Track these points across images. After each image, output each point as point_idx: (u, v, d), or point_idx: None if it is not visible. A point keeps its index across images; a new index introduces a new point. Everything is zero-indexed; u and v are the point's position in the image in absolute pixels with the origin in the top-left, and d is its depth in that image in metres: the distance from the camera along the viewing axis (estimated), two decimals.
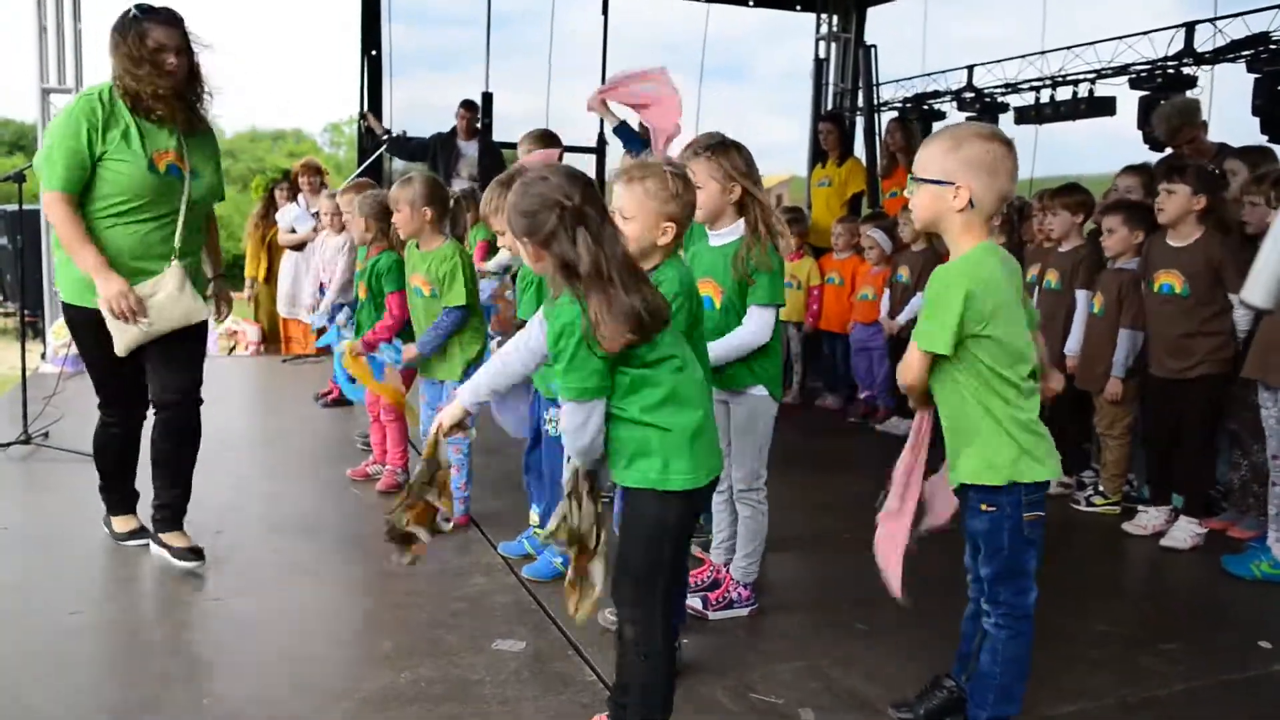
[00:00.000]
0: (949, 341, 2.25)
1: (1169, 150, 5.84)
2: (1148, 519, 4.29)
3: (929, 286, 2.33)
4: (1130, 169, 5.13)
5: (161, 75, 3.31)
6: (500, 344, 4.31)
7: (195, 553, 3.60)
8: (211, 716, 2.62)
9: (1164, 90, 7.51)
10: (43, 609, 3.22)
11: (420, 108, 9.87)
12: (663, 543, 2.27)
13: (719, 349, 3.01)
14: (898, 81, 10.38)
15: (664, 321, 2.18)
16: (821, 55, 10.62)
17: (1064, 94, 8.68)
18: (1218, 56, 7.50)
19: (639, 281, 2.15)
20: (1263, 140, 6.59)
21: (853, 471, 5.38)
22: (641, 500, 2.26)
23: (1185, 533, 4.08)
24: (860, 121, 9.72)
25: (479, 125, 8.78)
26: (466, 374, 4.05)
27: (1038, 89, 8.94)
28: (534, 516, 3.79)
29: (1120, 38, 8.19)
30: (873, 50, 9.58)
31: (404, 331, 4.32)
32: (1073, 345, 4.67)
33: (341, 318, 5.49)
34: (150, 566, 3.61)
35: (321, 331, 5.22)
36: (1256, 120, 6.94)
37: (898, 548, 2.51)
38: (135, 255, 3.43)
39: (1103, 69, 8.35)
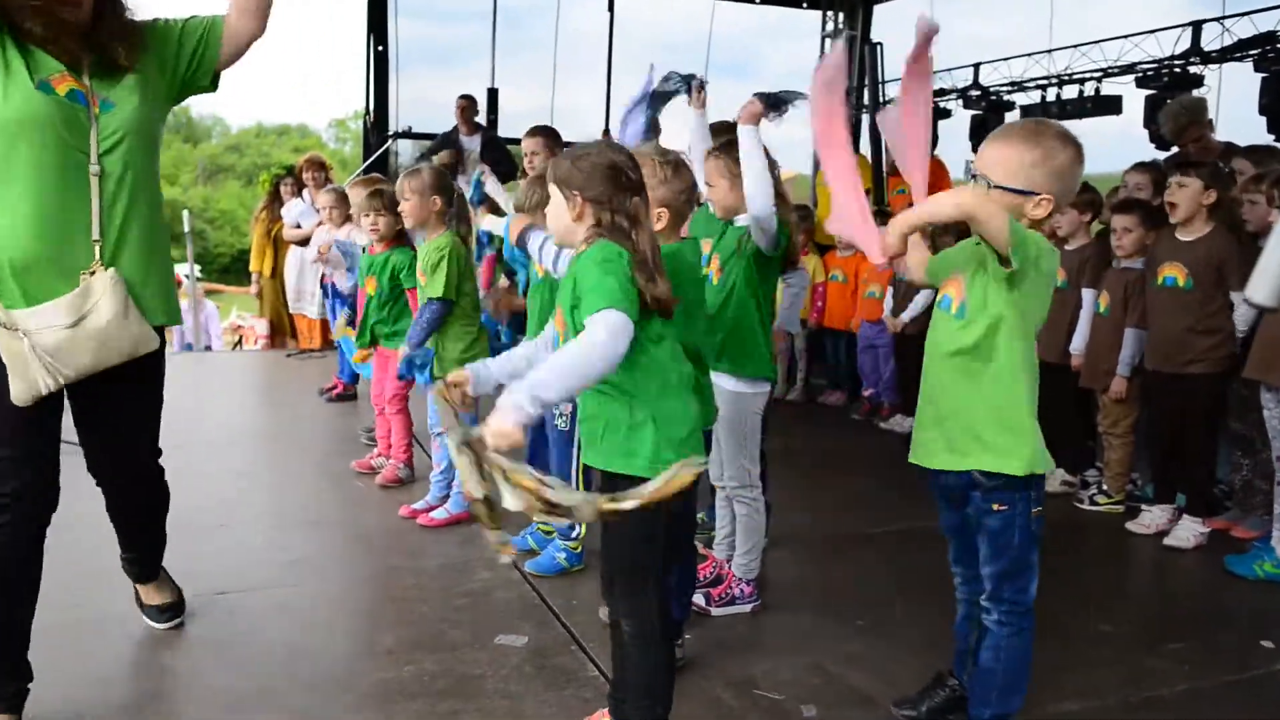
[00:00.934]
0: (1024, 233, 2.13)
1: (1175, 149, 5.84)
2: (1151, 518, 4.29)
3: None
4: (1140, 166, 5.12)
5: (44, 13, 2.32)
6: (505, 334, 4.29)
7: (172, 610, 3.09)
8: (215, 709, 2.63)
9: (1170, 89, 7.50)
10: (44, 603, 3.22)
11: (426, 103, 9.85)
12: (652, 536, 2.25)
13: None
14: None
15: (668, 314, 2.22)
16: (827, 53, 10.61)
17: (1070, 93, 8.68)
18: (1225, 55, 7.50)
19: (659, 271, 2.19)
20: (1270, 139, 6.59)
21: (856, 469, 5.39)
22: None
23: (1189, 532, 4.08)
24: (866, 119, 9.71)
25: (478, 120, 8.77)
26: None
27: (1044, 87, 8.94)
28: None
29: (1127, 36, 8.19)
30: (879, 48, 9.57)
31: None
32: (1078, 344, 4.67)
33: (342, 319, 5.50)
34: None
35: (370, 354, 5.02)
36: (1264, 120, 6.93)
37: (858, 205, 2.47)
38: (35, 249, 2.35)
39: (1109, 68, 8.34)
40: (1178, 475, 4.26)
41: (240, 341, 12.00)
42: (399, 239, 4.54)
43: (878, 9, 10.56)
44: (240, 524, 4.07)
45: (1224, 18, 7.56)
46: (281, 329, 8.87)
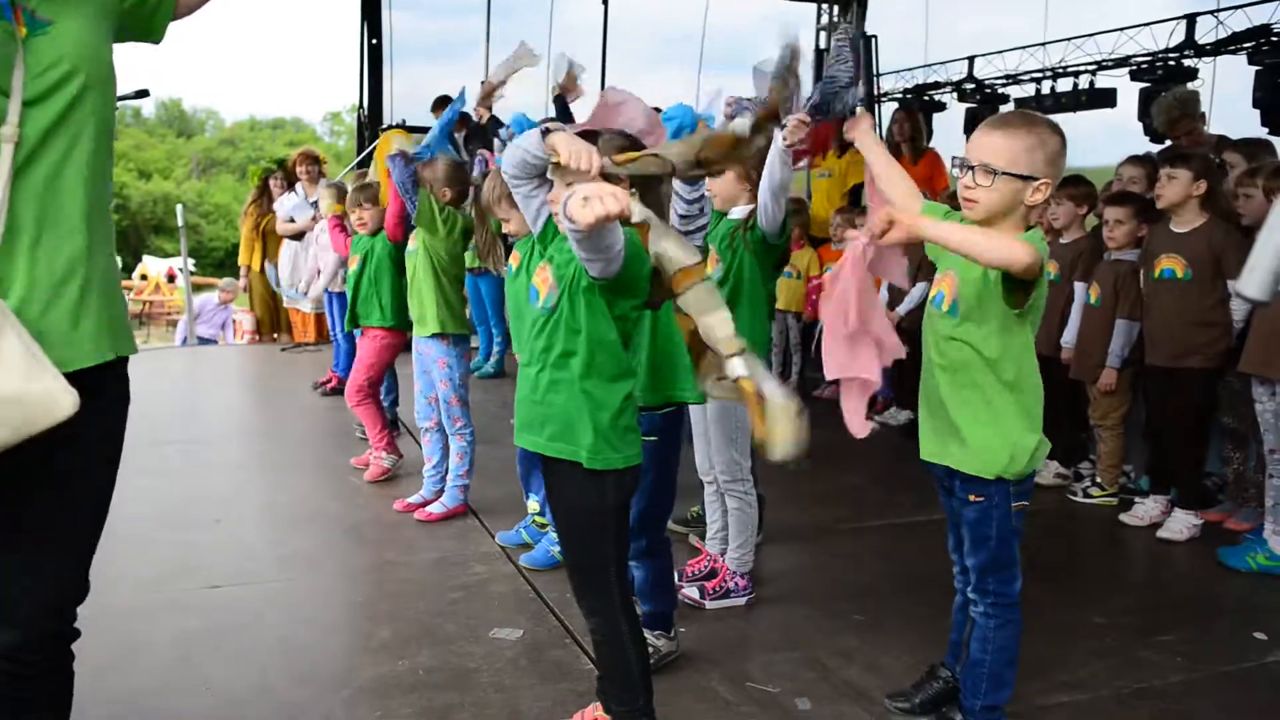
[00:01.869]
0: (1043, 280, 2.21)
1: (1168, 142, 5.85)
2: (1145, 510, 4.30)
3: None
4: (1134, 159, 5.12)
5: None
6: None
7: None
8: (211, 704, 2.64)
9: (1164, 82, 7.51)
10: None
11: (420, 97, 9.85)
12: (604, 529, 2.23)
13: None
14: (898, 72, 10.37)
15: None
16: (822, 46, 10.60)
17: (1065, 85, 8.70)
18: (1219, 49, 7.50)
19: None
20: (1263, 133, 6.59)
21: (850, 462, 5.38)
22: (571, 488, 2.24)
23: (1181, 524, 4.09)
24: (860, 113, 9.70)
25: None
26: (444, 329, 4.05)
27: (1039, 80, 8.95)
28: (532, 505, 3.80)
29: (1121, 29, 8.19)
30: (873, 41, 9.57)
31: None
32: (1069, 336, 4.68)
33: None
34: (148, 556, 3.62)
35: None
36: (1257, 112, 6.94)
37: (862, 386, 2.51)
38: None
39: (1103, 60, 8.36)
40: (1171, 468, 4.28)
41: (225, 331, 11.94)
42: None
43: (872, 2, 10.54)
44: (235, 518, 4.07)
45: (1218, 11, 7.57)
46: (268, 323, 8.89)
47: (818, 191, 8.45)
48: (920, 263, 5.82)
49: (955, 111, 9.68)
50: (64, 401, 1.49)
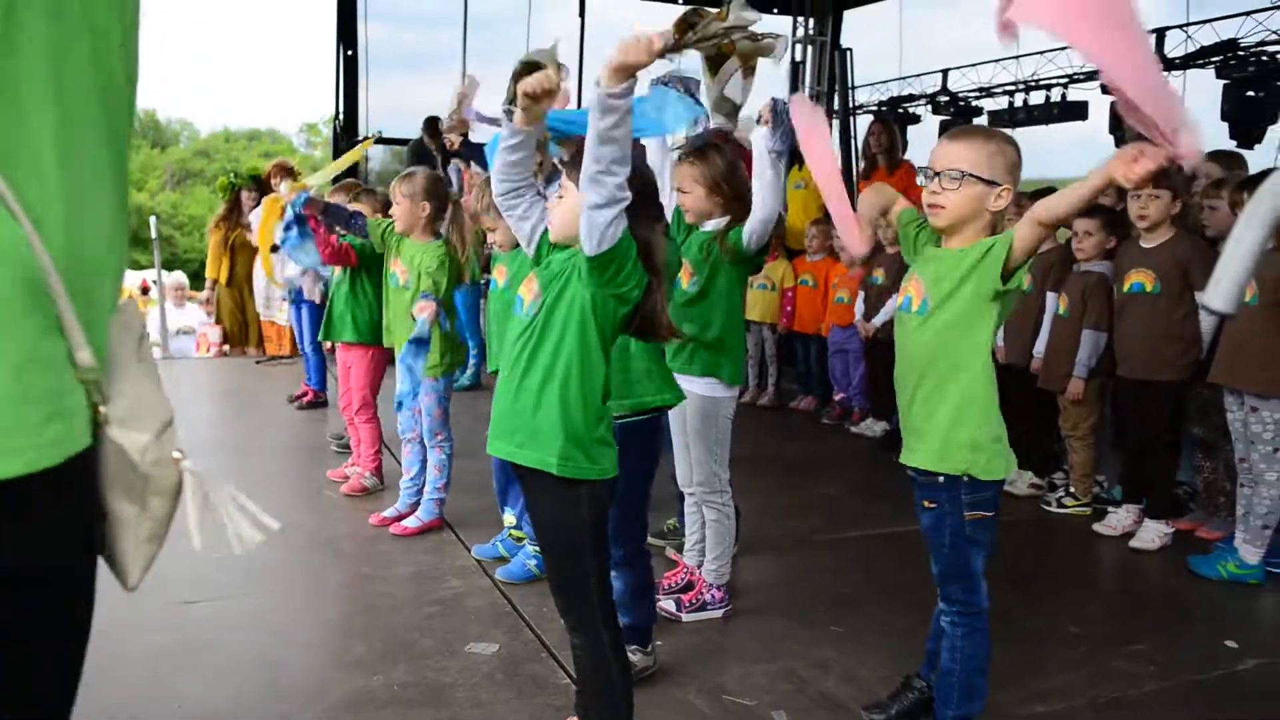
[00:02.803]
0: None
1: None
2: (1117, 519, 4.34)
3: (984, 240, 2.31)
4: None
5: None
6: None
7: None
8: (184, 719, 2.61)
9: None
10: None
11: (397, 108, 9.85)
12: (581, 544, 2.21)
13: None
14: (873, 85, 10.45)
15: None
16: (798, 58, 10.67)
17: (1037, 98, 8.79)
18: (1188, 62, 7.60)
19: None
20: (1231, 146, 6.68)
21: (827, 473, 5.41)
22: (545, 501, 2.22)
23: (1152, 534, 4.13)
24: (835, 124, 9.78)
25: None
26: (448, 373, 4.09)
27: (1011, 93, 9.04)
28: (509, 518, 3.79)
29: None
30: (849, 53, 9.64)
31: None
32: (1040, 347, 4.72)
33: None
34: None
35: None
36: (1225, 126, 7.03)
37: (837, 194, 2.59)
38: None
39: (1075, 74, 8.46)
40: (1144, 478, 4.31)
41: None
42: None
43: (848, 14, 10.62)
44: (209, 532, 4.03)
45: (1187, 25, 7.68)
46: (237, 336, 8.84)
47: (793, 202, 8.48)
48: (895, 275, 5.87)
49: (930, 124, 9.78)
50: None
